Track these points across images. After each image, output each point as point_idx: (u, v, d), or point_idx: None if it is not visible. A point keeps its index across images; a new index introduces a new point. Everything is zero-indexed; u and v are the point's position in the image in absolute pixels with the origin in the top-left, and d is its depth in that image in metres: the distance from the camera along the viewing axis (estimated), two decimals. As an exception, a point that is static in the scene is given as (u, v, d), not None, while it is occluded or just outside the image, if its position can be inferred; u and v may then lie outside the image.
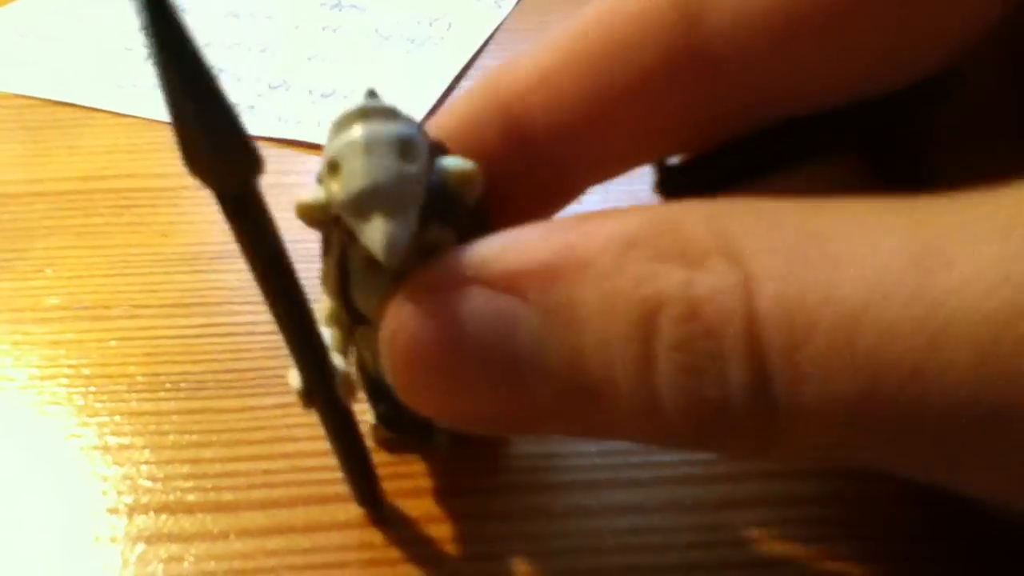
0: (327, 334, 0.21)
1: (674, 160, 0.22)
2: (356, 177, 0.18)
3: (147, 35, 0.14)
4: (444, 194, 0.19)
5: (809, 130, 0.19)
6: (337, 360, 0.21)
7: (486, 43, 0.46)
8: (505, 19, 0.47)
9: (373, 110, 0.19)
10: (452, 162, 0.20)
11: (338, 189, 0.18)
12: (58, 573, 0.23)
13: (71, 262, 0.33)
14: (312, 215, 0.20)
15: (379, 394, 0.24)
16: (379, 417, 0.25)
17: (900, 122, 0.19)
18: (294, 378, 0.21)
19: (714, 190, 0.18)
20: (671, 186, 0.22)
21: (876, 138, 0.19)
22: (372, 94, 0.19)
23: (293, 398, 0.26)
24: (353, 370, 0.23)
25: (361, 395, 0.24)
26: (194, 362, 0.28)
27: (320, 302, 0.21)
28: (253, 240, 0.17)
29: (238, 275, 0.32)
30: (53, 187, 0.36)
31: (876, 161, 0.19)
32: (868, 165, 0.20)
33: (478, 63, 0.44)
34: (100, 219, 0.35)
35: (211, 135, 0.15)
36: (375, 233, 0.18)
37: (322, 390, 0.21)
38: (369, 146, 0.18)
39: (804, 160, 0.20)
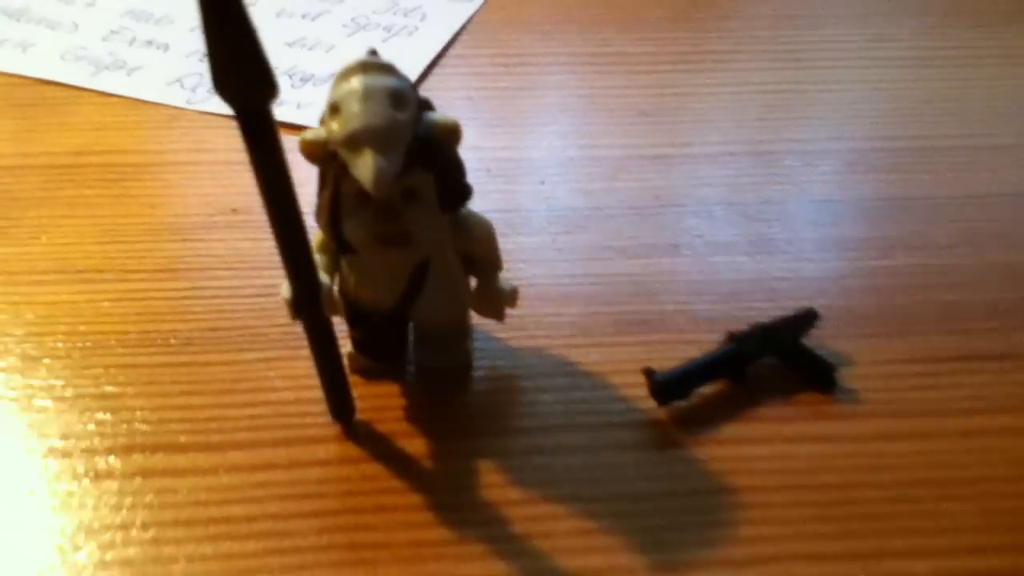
0: (317, 259, 0.24)
1: (662, 374, 0.27)
2: (354, 118, 0.22)
3: None
4: (427, 144, 0.23)
5: (752, 351, 0.28)
6: (324, 279, 0.24)
7: (459, 33, 0.48)
8: (478, 10, 0.50)
9: (372, 64, 0.22)
10: (438, 116, 0.23)
11: (337, 128, 0.22)
12: (62, 502, 0.25)
13: (64, 230, 0.35)
14: (313, 150, 0.23)
15: (358, 320, 0.27)
16: (355, 343, 0.28)
17: (795, 340, 0.29)
18: (286, 289, 0.24)
19: (693, 390, 0.27)
20: (663, 391, 0.27)
21: (789, 350, 0.29)
22: (373, 52, 0.23)
23: (275, 353, 0.30)
24: (336, 292, 0.26)
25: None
26: (182, 321, 0.31)
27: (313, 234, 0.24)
28: (264, 155, 0.20)
29: (222, 244, 0.34)
30: (44, 160, 0.38)
31: (788, 363, 0.29)
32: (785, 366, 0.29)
33: (451, 52, 0.47)
34: (90, 191, 0.37)
35: (239, 63, 0.18)
36: (366, 166, 0.22)
37: (309, 301, 0.24)
38: (367, 94, 0.22)
39: (746, 366, 0.28)
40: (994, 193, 0.36)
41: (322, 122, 0.23)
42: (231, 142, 0.39)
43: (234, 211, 0.36)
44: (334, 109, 0.23)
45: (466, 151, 0.24)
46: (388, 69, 0.23)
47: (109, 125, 0.41)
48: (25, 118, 0.41)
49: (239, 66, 0.18)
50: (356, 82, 0.22)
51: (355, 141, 0.22)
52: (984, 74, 0.43)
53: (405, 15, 0.49)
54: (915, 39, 0.46)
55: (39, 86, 0.43)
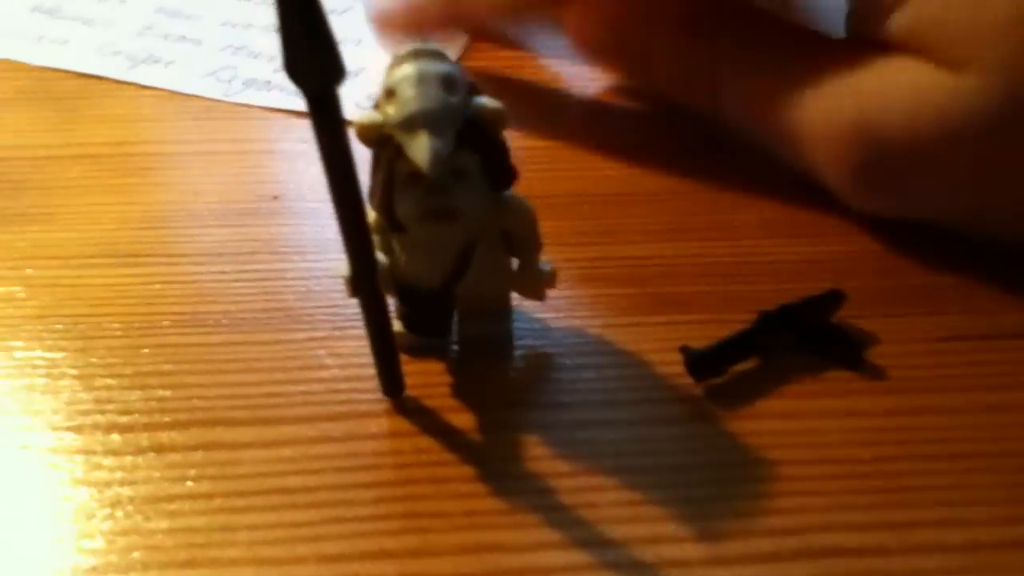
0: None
1: (696, 350, 0.29)
2: (409, 102, 0.23)
3: None
4: (475, 126, 0.25)
5: (782, 329, 0.29)
6: (380, 257, 0.25)
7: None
8: None
9: (424, 51, 0.24)
10: (486, 100, 0.25)
11: (393, 112, 0.24)
12: (128, 471, 0.26)
13: (112, 216, 0.36)
14: (368, 134, 0.25)
15: (407, 298, 0.28)
16: (404, 320, 0.29)
17: (822, 320, 0.30)
18: (345, 268, 0.25)
19: (727, 366, 0.29)
20: (698, 367, 0.28)
21: (817, 328, 0.30)
22: (423, 39, 0.25)
23: (323, 332, 0.31)
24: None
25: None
26: (232, 303, 0.32)
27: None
28: (330, 136, 0.21)
29: (266, 229, 0.35)
30: (86, 151, 0.39)
31: (817, 342, 0.30)
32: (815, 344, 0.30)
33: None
34: (133, 179, 0.38)
35: (312, 47, 0.19)
36: (421, 146, 0.23)
37: (366, 279, 0.25)
38: (421, 79, 0.23)
39: (776, 345, 0.29)
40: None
41: (376, 107, 0.25)
42: (268, 133, 0.41)
43: (275, 198, 0.37)
44: (389, 94, 0.24)
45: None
46: (439, 55, 0.24)
47: (146, 117, 0.42)
48: (65, 111, 0.42)
49: (312, 50, 0.20)
50: (410, 68, 0.24)
51: (411, 123, 0.23)
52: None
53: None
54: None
55: (78, 80, 0.44)
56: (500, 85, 0.43)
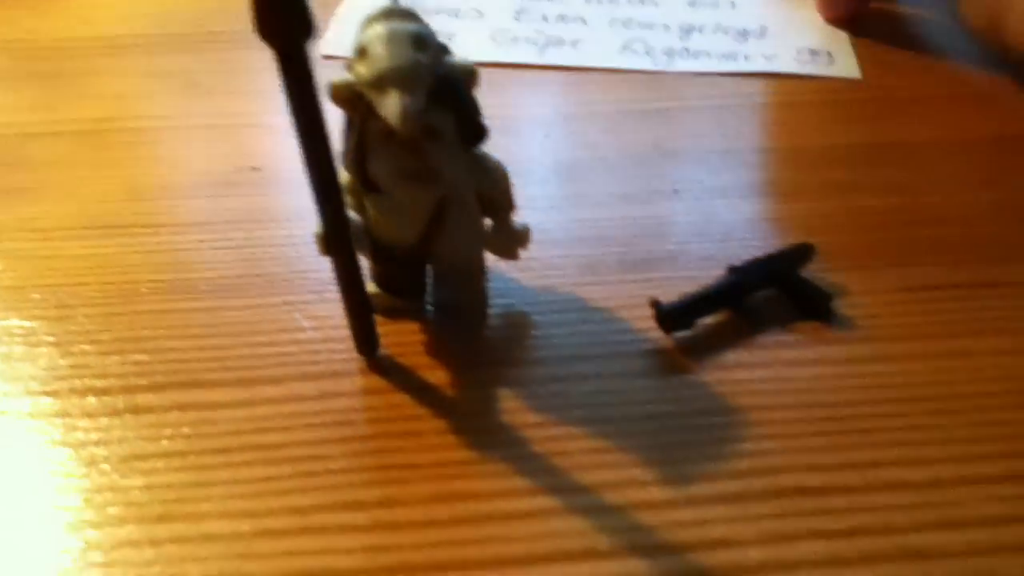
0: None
1: (667, 304, 0.29)
2: (380, 60, 0.24)
3: None
4: (446, 85, 0.25)
5: (752, 282, 0.30)
6: (353, 216, 0.25)
7: None
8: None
9: (395, 11, 0.24)
10: (457, 59, 0.25)
11: (364, 71, 0.24)
12: (104, 432, 0.27)
13: (91, 190, 0.36)
14: (342, 94, 0.25)
15: (381, 257, 0.29)
16: (378, 280, 0.29)
17: (792, 272, 0.31)
18: (316, 224, 0.25)
19: (696, 320, 0.29)
20: (669, 321, 0.29)
21: (787, 281, 0.30)
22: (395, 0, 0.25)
23: (300, 296, 0.31)
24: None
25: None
26: (210, 269, 0.32)
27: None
28: (300, 93, 0.22)
29: (246, 199, 0.35)
30: (69, 127, 0.40)
31: (786, 294, 0.30)
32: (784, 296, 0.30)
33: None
34: (114, 154, 0.38)
35: (280, 4, 0.20)
36: (392, 104, 0.23)
37: (339, 236, 0.25)
38: (391, 37, 0.24)
39: (746, 297, 0.30)
40: (980, 139, 0.37)
41: (348, 67, 0.25)
42: (247, 106, 0.41)
43: (254, 169, 0.37)
44: (361, 53, 0.24)
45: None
46: (410, 15, 0.25)
47: (127, 94, 0.42)
48: (47, 88, 0.42)
49: (281, 7, 0.20)
50: (381, 27, 0.24)
51: (382, 81, 0.24)
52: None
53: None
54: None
55: (57, 58, 0.44)
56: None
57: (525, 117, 0.40)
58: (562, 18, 0.46)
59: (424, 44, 0.24)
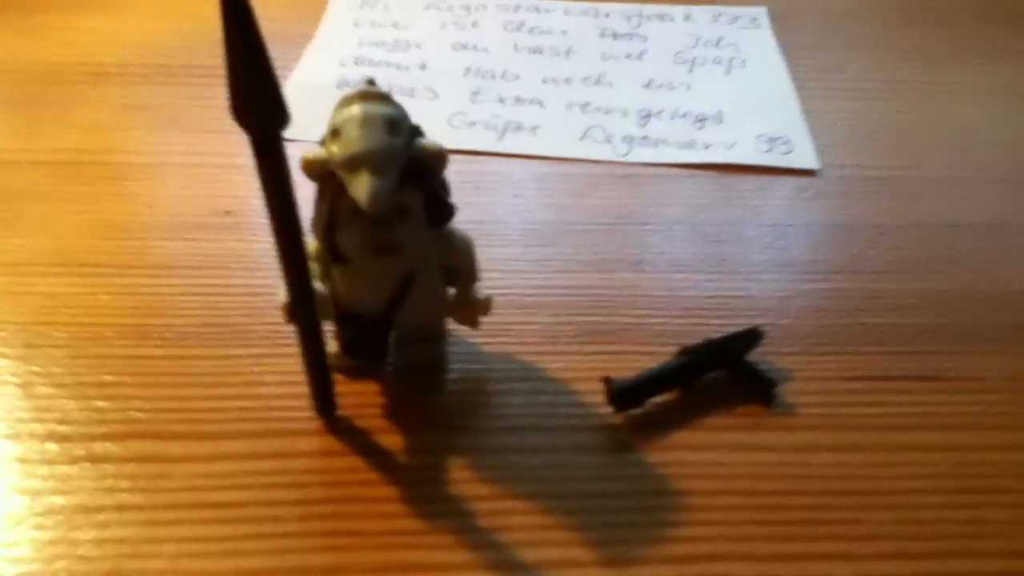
0: (311, 268, 0.26)
1: (620, 382, 0.30)
2: (353, 142, 0.24)
3: (224, 21, 0.19)
4: (417, 166, 0.26)
5: (702, 364, 0.31)
6: (318, 286, 0.26)
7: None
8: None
9: (371, 93, 0.25)
10: (427, 142, 0.26)
11: (337, 150, 0.25)
12: (61, 481, 0.27)
13: (65, 225, 0.37)
14: (313, 168, 0.26)
15: (346, 323, 0.30)
16: (342, 344, 0.30)
17: (741, 356, 0.32)
18: (283, 295, 0.26)
19: (647, 399, 0.30)
20: (620, 400, 0.30)
21: (735, 364, 0.31)
22: (370, 82, 0.26)
23: (264, 350, 0.32)
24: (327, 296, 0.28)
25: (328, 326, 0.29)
26: (177, 316, 0.33)
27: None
28: (273, 178, 0.23)
29: (216, 244, 0.36)
30: (46, 157, 0.40)
31: (734, 377, 0.31)
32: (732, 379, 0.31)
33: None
34: (90, 188, 0.39)
35: (256, 93, 0.21)
36: (363, 186, 0.24)
37: (304, 305, 0.26)
38: (365, 120, 0.25)
39: (696, 379, 0.31)
40: (927, 223, 0.39)
41: (322, 143, 0.26)
42: (224, 147, 0.42)
43: (227, 213, 0.38)
44: (335, 133, 0.25)
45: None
46: (385, 98, 0.25)
47: (106, 125, 0.43)
48: (29, 115, 0.43)
49: (258, 95, 0.21)
50: (356, 109, 0.25)
51: (354, 163, 0.25)
52: (924, 108, 0.46)
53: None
54: (866, 72, 0.49)
55: (42, 84, 0.45)
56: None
57: (497, 174, 0.41)
58: (519, 100, 0.46)
59: (397, 128, 0.25)
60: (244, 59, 0.20)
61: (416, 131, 0.26)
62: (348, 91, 0.25)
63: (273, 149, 0.22)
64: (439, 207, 0.27)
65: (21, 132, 0.42)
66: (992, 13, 0.55)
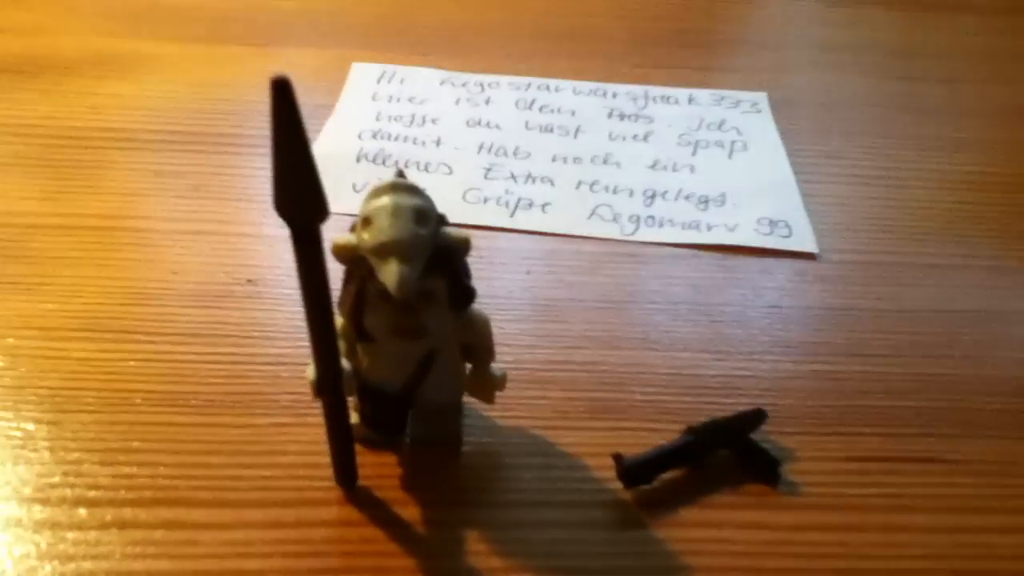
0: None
1: (630, 459, 0.31)
2: (383, 231, 0.26)
3: (273, 122, 0.21)
4: (443, 254, 0.27)
5: (708, 443, 0.32)
6: (345, 364, 0.28)
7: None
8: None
9: (401, 185, 0.27)
10: (453, 231, 0.28)
11: (368, 238, 0.26)
12: (91, 546, 0.28)
13: (95, 289, 0.38)
14: (344, 253, 0.27)
15: (368, 398, 0.31)
16: (363, 418, 0.31)
17: (746, 435, 0.33)
18: (311, 372, 0.27)
19: (655, 475, 0.31)
20: (630, 476, 0.31)
21: (740, 444, 0.33)
22: (400, 174, 0.28)
23: (287, 419, 0.33)
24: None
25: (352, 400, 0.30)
26: (203, 384, 0.34)
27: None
28: (310, 267, 0.24)
29: (240, 312, 0.38)
30: (76, 222, 0.42)
31: (739, 455, 0.33)
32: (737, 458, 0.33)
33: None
34: (119, 254, 0.40)
35: (300, 189, 0.22)
36: (392, 273, 0.26)
37: (331, 382, 0.27)
38: (396, 211, 0.26)
39: (703, 457, 0.32)
40: (923, 308, 0.40)
41: (353, 229, 0.27)
42: (247, 216, 0.43)
43: (249, 281, 0.39)
44: (366, 221, 0.27)
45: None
46: (414, 190, 0.27)
47: (137, 192, 0.44)
48: (60, 179, 0.44)
49: (301, 191, 0.22)
50: (387, 199, 0.26)
51: (384, 251, 0.26)
52: (919, 195, 0.48)
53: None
54: (863, 158, 0.51)
55: (74, 148, 0.46)
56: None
57: (509, 250, 0.43)
58: (530, 177, 0.47)
59: (425, 218, 0.27)
60: (291, 159, 0.22)
61: (442, 220, 0.28)
62: (379, 182, 0.27)
63: (312, 239, 0.24)
64: (462, 292, 0.29)
65: (53, 196, 0.43)
66: (980, 107, 0.57)
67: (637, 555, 0.29)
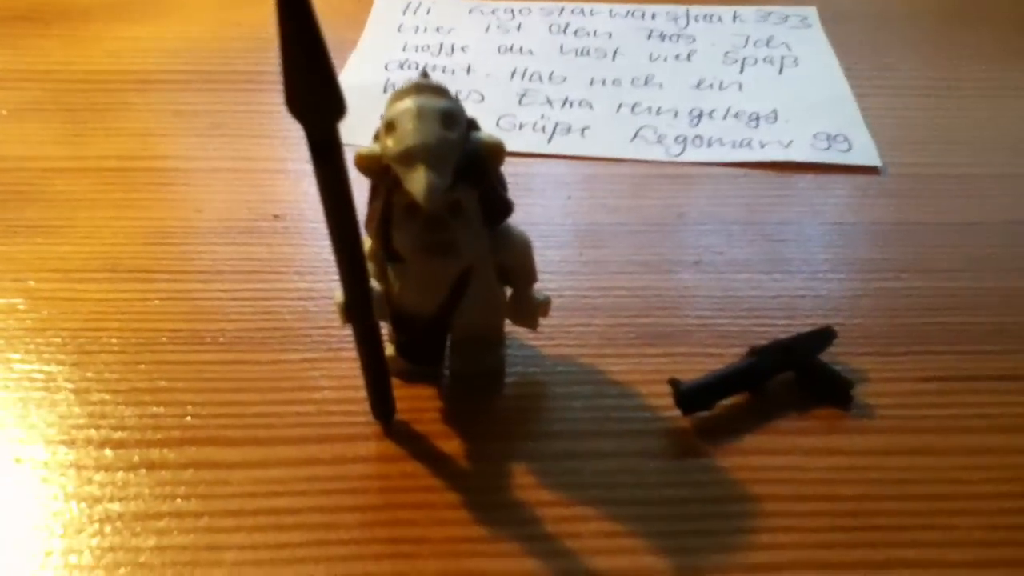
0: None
1: (687, 384, 0.29)
2: (408, 135, 0.24)
3: (279, 11, 0.18)
4: (473, 162, 0.25)
5: (773, 365, 0.30)
6: (374, 285, 0.26)
7: (488, 50, 0.50)
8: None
9: (425, 86, 0.24)
10: (484, 135, 0.25)
11: (392, 144, 0.24)
12: (119, 488, 0.27)
13: (115, 230, 0.36)
14: (367, 164, 0.25)
15: (401, 325, 0.29)
16: (398, 347, 0.30)
17: (813, 357, 0.30)
18: (339, 295, 0.25)
19: (715, 401, 0.29)
20: (687, 402, 0.29)
21: (808, 366, 0.30)
22: (425, 75, 0.25)
23: (318, 354, 0.31)
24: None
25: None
26: (229, 321, 0.32)
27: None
28: (329, 175, 0.22)
29: (266, 248, 0.36)
30: (94, 164, 0.40)
31: (803, 378, 0.30)
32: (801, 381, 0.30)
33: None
34: (138, 194, 0.39)
35: (312, 84, 0.20)
36: (418, 181, 0.24)
37: (360, 305, 0.25)
38: (420, 113, 0.24)
39: (766, 381, 0.30)
40: (993, 221, 0.38)
41: (376, 138, 0.25)
42: (271, 151, 0.41)
43: (276, 217, 0.37)
44: (389, 127, 0.24)
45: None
46: (440, 91, 0.25)
47: (153, 131, 0.43)
48: (76, 123, 0.43)
49: (314, 87, 0.20)
50: (410, 102, 0.24)
51: (409, 157, 0.24)
52: (980, 105, 0.45)
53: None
54: (920, 71, 0.48)
55: (89, 92, 0.45)
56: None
57: (547, 175, 0.40)
58: (567, 102, 0.45)
59: (453, 121, 0.24)
60: (300, 49, 0.19)
61: (472, 124, 0.26)
62: (403, 84, 0.25)
63: (331, 145, 0.21)
64: (496, 204, 0.26)
65: (71, 140, 0.42)
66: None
67: (699, 484, 0.27)
